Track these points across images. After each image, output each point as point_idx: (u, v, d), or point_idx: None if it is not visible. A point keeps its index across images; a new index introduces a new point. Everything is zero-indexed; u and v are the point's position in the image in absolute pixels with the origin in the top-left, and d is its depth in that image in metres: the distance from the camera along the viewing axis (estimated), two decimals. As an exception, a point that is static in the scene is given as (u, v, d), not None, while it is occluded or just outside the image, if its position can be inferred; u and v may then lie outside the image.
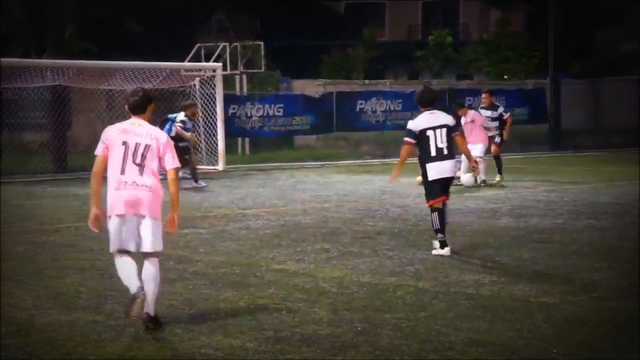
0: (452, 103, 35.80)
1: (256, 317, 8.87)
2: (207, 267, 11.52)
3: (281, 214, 16.53)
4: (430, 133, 12.24)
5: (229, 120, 29.53)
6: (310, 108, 33.55)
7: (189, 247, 13.08)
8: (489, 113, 22.28)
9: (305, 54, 49.17)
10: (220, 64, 29.78)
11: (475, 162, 14.22)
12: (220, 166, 27.49)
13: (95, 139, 25.89)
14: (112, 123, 27.51)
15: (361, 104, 34.70)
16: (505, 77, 46.29)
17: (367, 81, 41.30)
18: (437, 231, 12.32)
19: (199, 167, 27.37)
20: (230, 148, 29.88)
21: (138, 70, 27.68)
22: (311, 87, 36.54)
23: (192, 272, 11.22)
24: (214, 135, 28.07)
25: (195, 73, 29.07)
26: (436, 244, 12.38)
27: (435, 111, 12.51)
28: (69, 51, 31.54)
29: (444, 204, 12.40)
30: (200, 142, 28.39)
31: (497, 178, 22.01)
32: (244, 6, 48.28)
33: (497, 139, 22.23)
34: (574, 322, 8.72)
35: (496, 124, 22.22)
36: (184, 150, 20.72)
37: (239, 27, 45.04)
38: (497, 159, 22.30)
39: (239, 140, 32.72)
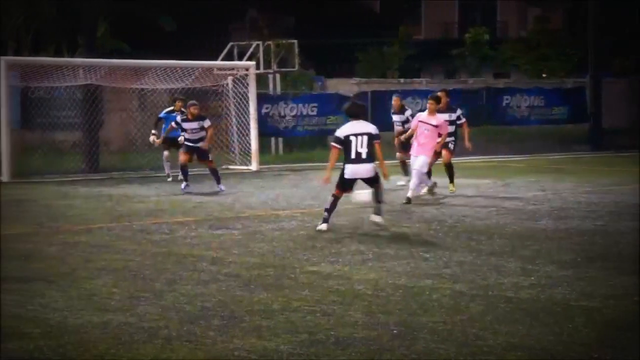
0: (489, 103, 35.98)
1: (290, 320, 8.89)
2: (241, 269, 11.55)
3: (315, 215, 16.50)
4: (352, 138, 14.49)
5: (262, 120, 29.57)
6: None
7: (222, 249, 13.12)
8: (445, 116, 19.63)
9: (339, 52, 49.14)
10: (254, 63, 29.83)
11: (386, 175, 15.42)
12: (253, 166, 27.54)
13: (127, 139, 25.87)
14: (144, 122, 27.37)
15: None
16: (544, 75, 46.06)
17: (402, 80, 41.14)
18: (327, 210, 14.70)
19: (231, 167, 27.54)
20: (263, 148, 29.92)
21: (170, 69, 27.78)
22: (346, 86, 36.44)
23: (226, 273, 11.25)
24: (247, 135, 28.12)
25: (228, 72, 29.11)
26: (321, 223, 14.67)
27: (360, 121, 14.83)
28: (101, 50, 31.74)
29: (378, 188, 14.90)
30: (234, 141, 28.48)
31: (451, 187, 19.91)
32: (277, 4, 48.36)
33: (451, 145, 20.07)
34: (616, 326, 8.68)
35: (452, 128, 19.99)
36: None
37: (273, 26, 45.10)
38: (449, 167, 20.08)
39: (272, 140, 32.74)
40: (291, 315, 9.06)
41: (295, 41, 34.15)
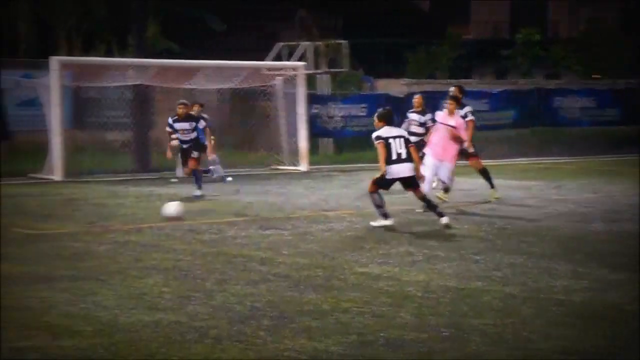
0: (540, 104, 35.71)
1: (340, 321, 8.91)
2: (290, 269, 11.58)
3: (365, 216, 16.51)
4: (391, 141, 15.10)
5: (311, 121, 29.58)
6: (394, 108, 33.17)
7: (271, 249, 13.16)
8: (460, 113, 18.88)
9: (388, 53, 48.96)
10: (303, 63, 29.83)
11: (422, 176, 15.83)
12: (302, 167, 27.55)
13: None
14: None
15: (446, 103, 34.43)
16: (596, 76, 45.62)
17: (452, 80, 40.92)
18: (377, 206, 15.15)
19: (280, 167, 27.61)
20: (312, 148, 29.91)
21: (219, 69, 27.91)
22: (395, 87, 36.30)
23: (275, 273, 11.29)
24: (296, 135, 28.13)
25: (277, 72, 29.17)
26: (380, 220, 15.12)
27: (392, 127, 15.47)
28: (151, 50, 31.95)
29: (419, 193, 15.49)
30: (283, 142, 28.50)
31: (495, 194, 18.95)
32: (327, 4, 48.39)
33: (471, 149, 18.89)
34: (669, 330, 8.61)
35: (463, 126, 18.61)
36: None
37: (322, 26, 45.16)
38: (484, 172, 19.22)
39: (322, 140, 32.71)
40: (341, 316, 9.09)
41: (345, 41, 34.10)
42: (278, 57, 32.29)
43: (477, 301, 9.82)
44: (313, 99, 30.64)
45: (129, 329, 8.61)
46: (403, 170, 15.11)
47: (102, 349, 7.94)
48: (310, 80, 31.37)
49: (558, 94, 36.68)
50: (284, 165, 27.97)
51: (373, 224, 15.13)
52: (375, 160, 16.98)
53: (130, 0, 29.51)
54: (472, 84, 39.40)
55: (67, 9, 39.25)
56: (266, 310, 9.32)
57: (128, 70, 27.07)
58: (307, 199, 19.85)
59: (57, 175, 24.12)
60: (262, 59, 31.46)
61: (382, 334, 8.40)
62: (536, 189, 21.56)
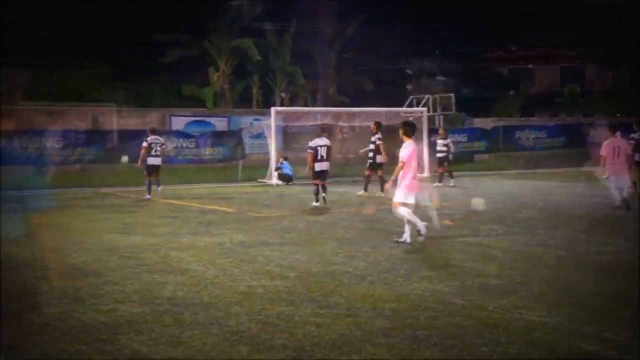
0: (579, 133, 34.28)
1: (449, 271, 8.77)
2: (414, 239, 11.33)
3: (465, 205, 16.20)
4: (319, 148, 16.09)
5: (431, 144, 29.19)
6: (484, 136, 32.87)
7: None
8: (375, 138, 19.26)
9: (482, 101, 48.07)
10: (425, 108, 29.60)
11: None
12: (426, 174, 27.20)
13: (345, 156, 25.58)
14: (354, 144, 27.04)
15: (518, 133, 33.94)
16: (618, 115, 43.67)
17: (522, 118, 40.03)
18: (316, 194, 16.01)
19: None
20: (432, 161, 29.55)
21: (373, 112, 27.88)
22: (486, 123, 35.68)
23: (408, 242, 11.11)
24: (421, 153, 27.80)
25: (410, 114, 28.94)
26: (315, 203, 15.98)
27: (323, 137, 16.46)
28: (331, 102, 32.26)
29: (324, 185, 16.19)
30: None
31: (360, 192, 18.86)
32: (442, 70, 47.96)
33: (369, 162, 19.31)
34: (608, 269, 8.14)
35: (372, 146, 19.24)
36: None
37: (439, 84, 44.58)
38: (381, 179, 19.04)
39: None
40: (450, 269, 8.95)
41: (453, 94, 33.81)
42: (410, 105, 32.06)
43: (538, 260, 9.50)
44: (432, 131, 30.28)
45: (316, 275, 8.68)
46: (324, 166, 16.10)
47: (300, 287, 8.03)
48: (430, 119, 31.05)
49: (591, 126, 35.36)
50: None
51: (313, 204, 15.97)
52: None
53: (320, 74, 29.93)
54: (536, 121, 38.37)
55: (279, 79, 40.08)
56: (402, 264, 9.25)
57: (317, 115, 27.31)
58: (426, 194, 19.45)
59: (272, 180, 24.50)
60: (400, 106, 31.24)
61: (476, 280, 8.23)
62: (573, 188, 20.66)
